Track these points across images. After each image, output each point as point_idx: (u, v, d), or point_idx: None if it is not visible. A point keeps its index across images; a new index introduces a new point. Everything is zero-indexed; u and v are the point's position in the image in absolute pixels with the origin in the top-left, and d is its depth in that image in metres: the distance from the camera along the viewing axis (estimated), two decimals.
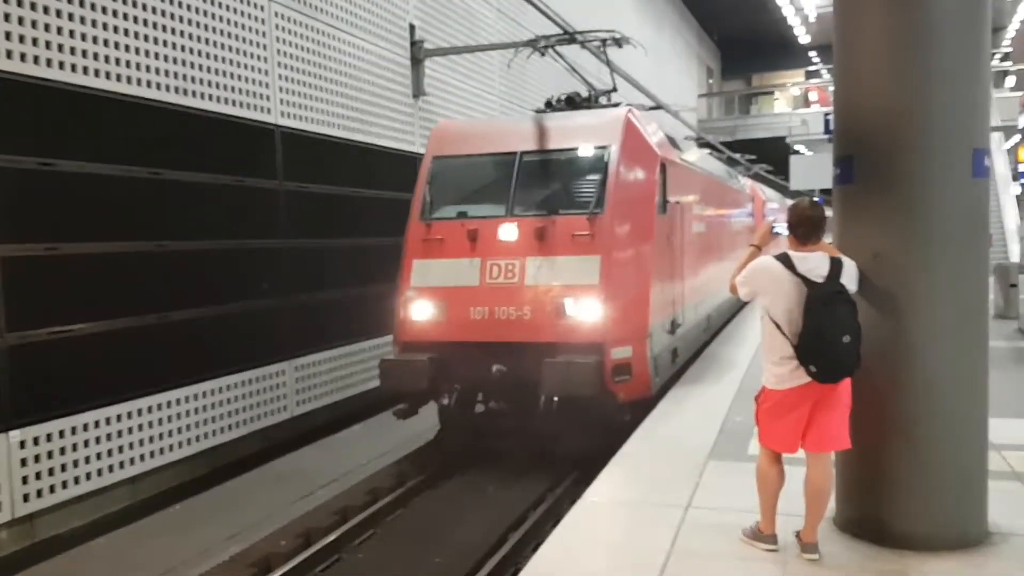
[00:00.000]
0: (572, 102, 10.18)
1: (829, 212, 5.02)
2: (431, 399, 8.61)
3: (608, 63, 11.90)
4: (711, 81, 45.89)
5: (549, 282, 8.24)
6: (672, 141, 10.90)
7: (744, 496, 5.24)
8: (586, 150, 8.90)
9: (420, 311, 8.64)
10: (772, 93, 45.34)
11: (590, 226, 8.28)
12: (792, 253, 4.61)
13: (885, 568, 4.56)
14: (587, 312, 8.09)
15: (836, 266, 4.55)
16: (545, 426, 8.02)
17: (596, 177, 8.60)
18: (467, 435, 9.14)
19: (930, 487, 4.77)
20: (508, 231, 8.52)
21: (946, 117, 4.68)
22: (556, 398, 7.73)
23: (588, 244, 8.24)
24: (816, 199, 4.89)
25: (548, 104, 10.32)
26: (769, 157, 32.03)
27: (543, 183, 8.93)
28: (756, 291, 4.72)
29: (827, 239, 4.85)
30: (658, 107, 18.40)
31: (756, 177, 28.05)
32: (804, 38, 39.15)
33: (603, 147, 8.73)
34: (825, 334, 4.37)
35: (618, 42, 11.37)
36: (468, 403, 8.95)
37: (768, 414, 4.73)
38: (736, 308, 16.70)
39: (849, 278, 4.59)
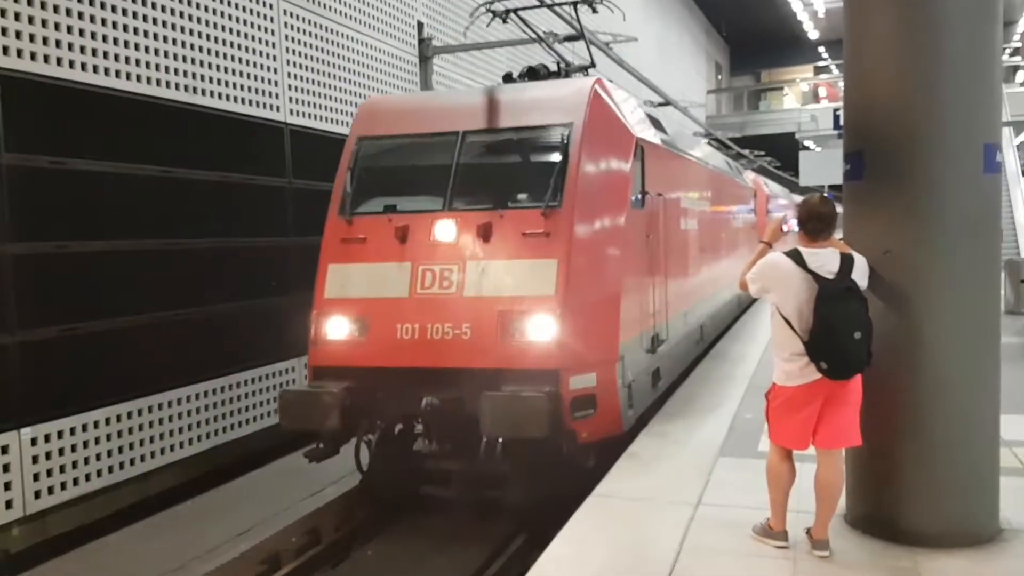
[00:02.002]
0: (535, 74, 8.61)
1: (839, 208, 5.00)
2: (349, 439, 7.00)
3: (582, 32, 10.60)
4: (719, 77, 45.74)
5: (494, 293, 6.68)
6: (656, 122, 9.46)
7: (754, 493, 5.23)
8: (542, 129, 7.27)
9: (335, 329, 7.04)
10: (781, 89, 45.14)
11: (545, 223, 6.73)
12: (803, 249, 4.60)
13: (896, 565, 4.55)
14: (540, 331, 6.52)
15: (847, 262, 4.53)
16: (488, 474, 6.61)
17: (554, 162, 7.01)
18: (395, 485, 7.30)
19: (941, 483, 4.76)
20: (445, 229, 6.96)
21: (956, 112, 4.66)
22: (500, 439, 6.25)
23: (543, 245, 6.70)
24: (826, 195, 4.86)
25: (507, 78, 8.83)
26: (778, 153, 31.93)
27: (490, 170, 7.48)
28: (766, 288, 4.71)
29: (837, 235, 4.85)
30: (666, 103, 18.40)
31: (761, 171, 27.69)
32: (813, 33, 39.02)
33: (563, 125, 7.13)
34: (836, 330, 4.36)
35: (592, 6, 9.96)
36: (398, 442, 7.30)
37: (779, 411, 4.72)
38: (737, 313, 15.76)
39: (860, 274, 4.58)
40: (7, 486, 6.97)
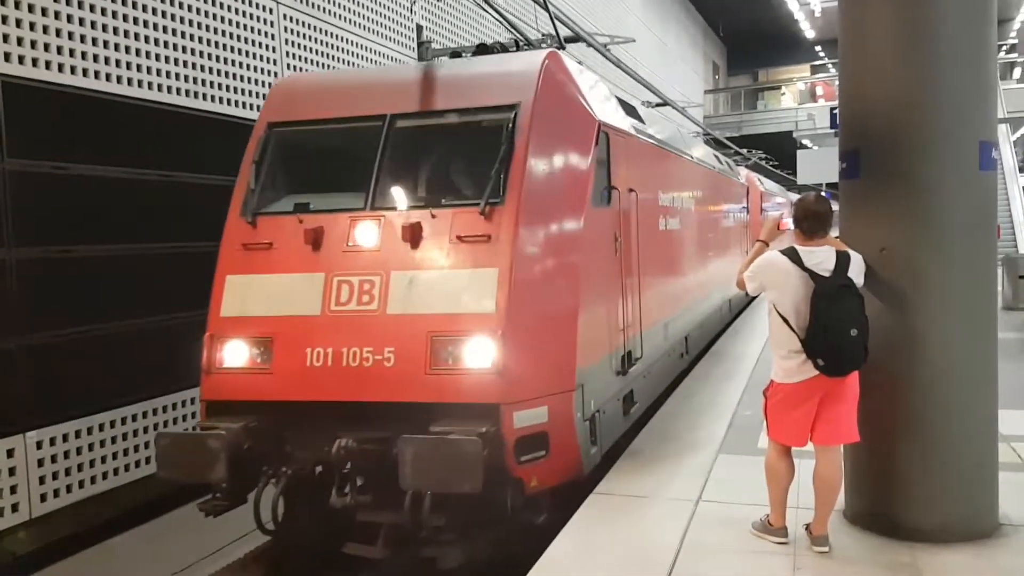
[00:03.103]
0: (485, 50, 7.56)
1: (835, 206, 5.05)
2: (253, 487, 5.75)
3: (546, 4, 9.64)
4: (717, 77, 45.79)
5: (423, 309, 5.62)
6: (629, 108, 8.48)
7: (754, 490, 5.27)
8: (484, 111, 6.18)
9: (233, 354, 5.95)
10: (779, 88, 45.19)
11: (486, 224, 5.69)
12: (799, 247, 4.64)
13: (895, 560, 4.59)
14: (478, 356, 5.46)
15: (843, 260, 4.57)
16: (417, 531, 5.35)
17: (497, 151, 5.88)
18: (310, 543, 6.15)
19: (940, 479, 4.80)
20: (367, 232, 5.93)
21: (952, 109, 4.70)
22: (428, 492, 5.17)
23: (483, 251, 5.65)
24: (823, 193, 4.90)
25: (454, 55, 7.85)
26: (776, 152, 31.96)
27: (422, 160, 6.43)
28: (763, 286, 4.75)
29: (834, 233, 4.89)
30: (664, 103, 18.44)
31: (756, 168, 27.42)
32: (810, 33, 39.11)
33: (508, 106, 6.04)
34: (832, 328, 4.41)
35: None
36: (314, 491, 5.81)
37: (777, 408, 4.77)
38: (729, 319, 14.95)
39: (856, 272, 4.62)
40: None
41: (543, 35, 11.45)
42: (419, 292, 5.69)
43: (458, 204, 5.91)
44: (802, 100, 41.48)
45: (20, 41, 7.06)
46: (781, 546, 4.82)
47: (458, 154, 6.43)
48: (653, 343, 8.31)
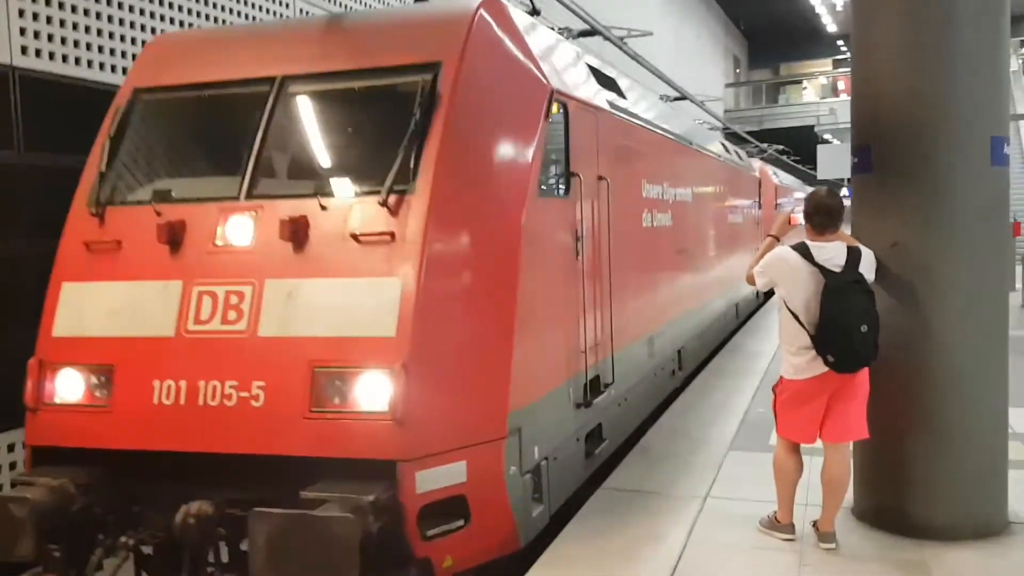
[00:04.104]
0: None
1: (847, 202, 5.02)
2: (86, 561, 4.44)
3: None
4: (738, 71, 45.57)
5: (304, 332, 4.33)
6: (605, 79, 7.16)
7: (763, 487, 5.25)
8: (395, 72, 4.83)
9: (66, 387, 4.66)
10: (800, 82, 44.98)
11: (390, 219, 4.38)
12: (809, 243, 4.61)
13: (903, 557, 4.56)
14: (372, 396, 4.19)
15: (854, 255, 4.54)
16: None
17: (408, 123, 4.52)
18: None
19: (949, 477, 4.76)
20: (239, 228, 4.63)
21: (964, 105, 4.66)
22: None
23: (384, 255, 4.35)
24: (834, 189, 4.87)
25: None
26: (797, 147, 31.80)
27: (315, 136, 5.06)
28: (774, 281, 4.73)
29: (846, 228, 4.86)
30: (683, 97, 18.37)
31: (776, 162, 26.26)
32: (831, 27, 38.84)
33: (427, 66, 4.70)
34: (842, 324, 4.38)
35: None
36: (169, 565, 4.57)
37: (786, 404, 4.75)
38: (736, 325, 13.79)
39: (867, 267, 4.59)
40: None
41: (559, 29, 11.44)
42: (300, 308, 4.38)
43: (355, 192, 4.62)
44: (824, 95, 41.32)
45: None
46: (788, 543, 4.80)
47: (360, 128, 5.04)
48: (632, 363, 7.12)
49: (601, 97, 6.64)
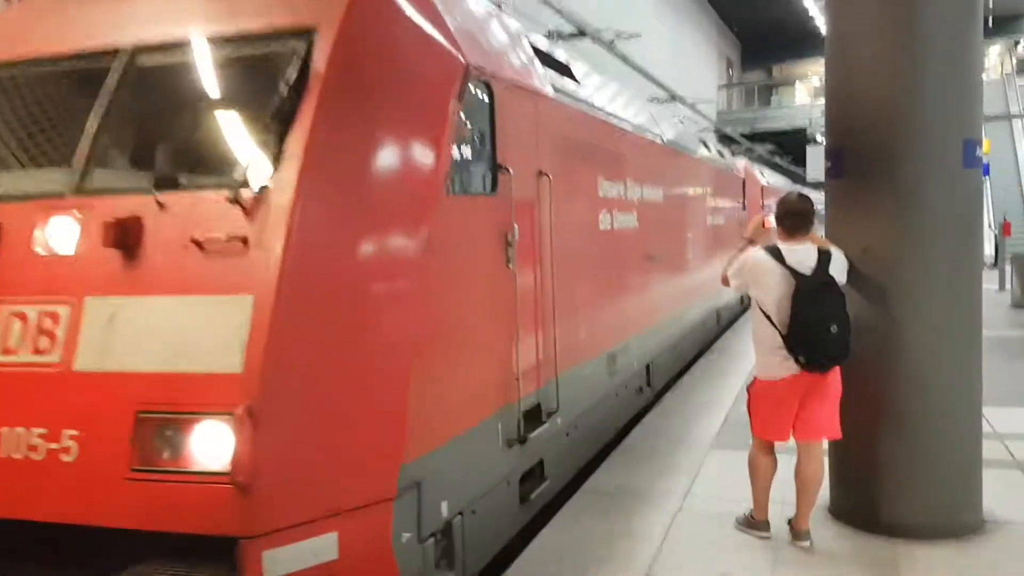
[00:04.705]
0: None
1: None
2: None
3: None
4: (731, 72, 45.69)
5: (129, 366, 3.46)
6: (549, 60, 6.35)
7: (742, 485, 5.29)
8: (260, 41, 3.96)
9: None
10: (793, 84, 45.06)
11: (242, 220, 3.53)
12: (781, 245, 4.68)
13: (876, 555, 4.62)
14: (209, 449, 3.29)
15: (824, 257, 4.61)
16: None
17: (273, 102, 3.71)
18: None
19: (922, 476, 4.83)
20: (61, 232, 3.78)
21: (936, 108, 4.73)
22: None
23: (233, 266, 3.48)
24: (804, 193, 4.93)
25: None
26: (790, 148, 31.94)
27: (160, 120, 4.18)
28: (747, 284, 4.79)
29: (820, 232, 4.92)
30: (674, 98, 18.43)
31: (765, 163, 26.16)
32: (824, 27, 38.91)
33: (298, 33, 3.87)
34: (813, 324, 4.44)
35: None
36: None
37: (760, 404, 4.82)
38: (716, 332, 13.01)
39: (838, 269, 4.65)
40: None
41: (549, 31, 11.49)
42: (124, 335, 3.48)
43: (201, 186, 3.68)
44: (817, 96, 41.35)
45: None
46: (763, 540, 4.86)
47: (217, 108, 3.98)
48: (586, 384, 6.35)
49: (544, 81, 5.82)
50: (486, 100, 4.71)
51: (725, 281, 4.97)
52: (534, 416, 5.23)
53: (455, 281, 4.28)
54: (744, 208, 16.11)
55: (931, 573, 4.42)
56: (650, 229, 8.44)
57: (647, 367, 8.42)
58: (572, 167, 6.19)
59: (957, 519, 4.89)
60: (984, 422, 5.15)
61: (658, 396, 8.78)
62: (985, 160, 5.64)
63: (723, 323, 13.80)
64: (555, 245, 5.63)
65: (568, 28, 11.81)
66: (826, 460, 4.95)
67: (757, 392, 4.83)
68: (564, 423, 5.78)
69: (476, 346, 4.55)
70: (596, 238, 6.79)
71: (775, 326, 4.59)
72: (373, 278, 3.78)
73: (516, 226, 4.92)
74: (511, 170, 4.90)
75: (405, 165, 4.08)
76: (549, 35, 11.81)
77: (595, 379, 6.62)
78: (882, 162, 4.77)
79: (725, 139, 26.04)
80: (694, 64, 35.53)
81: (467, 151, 4.51)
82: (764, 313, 4.66)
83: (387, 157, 4.02)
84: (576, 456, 6.25)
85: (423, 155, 4.10)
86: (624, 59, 14.45)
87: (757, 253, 4.73)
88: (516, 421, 4.93)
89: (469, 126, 4.53)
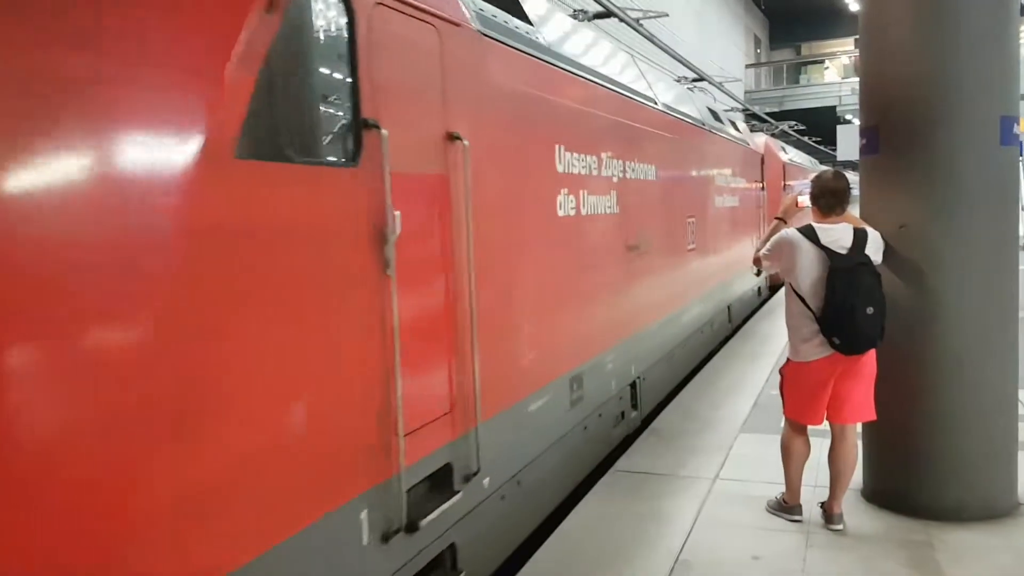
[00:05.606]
0: None
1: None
2: None
3: None
4: (759, 51, 45.14)
5: None
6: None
7: (772, 468, 5.26)
8: None
9: None
10: (822, 62, 44.42)
11: None
12: (816, 225, 4.60)
13: (910, 538, 4.57)
14: None
15: (860, 237, 4.53)
16: None
17: None
18: None
19: (957, 458, 4.76)
20: None
21: (972, 85, 4.62)
22: None
23: None
24: (840, 171, 4.85)
25: None
26: (819, 128, 31.54)
27: None
28: (780, 264, 4.73)
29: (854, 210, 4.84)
30: (701, 78, 18.23)
31: (782, 136, 24.62)
32: (854, 5, 38.27)
33: None
34: (848, 306, 4.37)
35: None
36: None
37: (793, 386, 4.77)
38: (728, 332, 11.50)
39: (874, 249, 4.57)
40: None
41: (574, 11, 11.38)
42: None
43: None
44: (846, 75, 40.80)
45: None
46: (795, 524, 4.82)
47: None
48: (534, 424, 4.94)
49: (457, 6, 4.16)
50: (341, 19, 3.16)
51: (757, 262, 4.90)
52: (442, 484, 3.85)
53: (261, 300, 2.74)
54: (763, 189, 14.50)
55: (965, 556, 4.36)
56: (636, 214, 6.92)
57: (632, 385, 6.90)
58: (510, 132, 4.70)
59: (992, 502, 4.82)
60: (1020, 405, 5.07)
61: (648, 418, 7.27)
62: (1023, 138, 5.52)
63: (736, 320, 12.20)
64: (477, 238, 4.10)
65: (593, 7, 11.67)
66: (860, 443, 4.90)
67: (790, 374, 4.77)
68: (494, 484, 4.37)
69: (314, 400, 2.99)
70: (551, 227, 5.26)
71: (809, 308, 4.53)
72: (78, 298, 2.27)
73: (397, 213, 3.35)
74: (384, 130, 3.29)
75: (152, 109, 2.50)
76: (574, 14, 11.71)
77: (548, 414, 5.13)
78: (918, 139, 4.68)
79: (754, 118, 25.72)
80: (723, 43, 35.14)
81: (296, 93, 2.95)
82: (797, 294, 4.60)
83: (117, 96, 2.45)
84: (519, 524, 4.79)
85: (190, 96, 2.56)
86: (649, 38, 14.32)
87: (790, 232, 4.66)
88: (400, 501, 3.41)
89: (302, 54, 3.01)
